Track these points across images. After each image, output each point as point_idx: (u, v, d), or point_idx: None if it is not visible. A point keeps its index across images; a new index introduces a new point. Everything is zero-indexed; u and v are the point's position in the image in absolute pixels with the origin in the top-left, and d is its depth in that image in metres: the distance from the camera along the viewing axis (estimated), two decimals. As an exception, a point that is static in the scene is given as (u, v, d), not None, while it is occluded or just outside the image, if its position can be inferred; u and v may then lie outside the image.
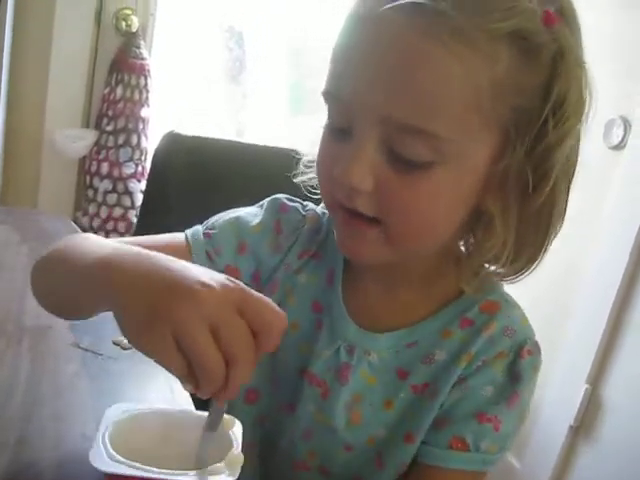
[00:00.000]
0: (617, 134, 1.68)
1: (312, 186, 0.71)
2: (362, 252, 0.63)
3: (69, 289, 0.60)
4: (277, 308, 0.48)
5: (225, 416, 0.52)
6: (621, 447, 1.63)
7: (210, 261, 0.70)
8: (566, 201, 0.61)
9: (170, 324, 0.44)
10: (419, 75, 0.52)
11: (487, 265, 0.65)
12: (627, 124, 1.67)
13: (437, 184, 0.56)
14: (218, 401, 0.48)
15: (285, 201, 0.74)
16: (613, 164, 1.70)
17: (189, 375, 0.45)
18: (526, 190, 0.57)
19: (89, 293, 0.55)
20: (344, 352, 0.68)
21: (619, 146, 1.69)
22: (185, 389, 0.47)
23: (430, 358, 0.66)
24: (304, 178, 0.73)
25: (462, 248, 0.68)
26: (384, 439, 0.68)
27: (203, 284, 0.45)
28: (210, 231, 0.72)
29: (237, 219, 0.73)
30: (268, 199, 0.75)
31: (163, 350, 0.45)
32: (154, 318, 0.44)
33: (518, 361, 0.65)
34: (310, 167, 0.72)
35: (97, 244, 0.58)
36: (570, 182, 0.61)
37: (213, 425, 0.50)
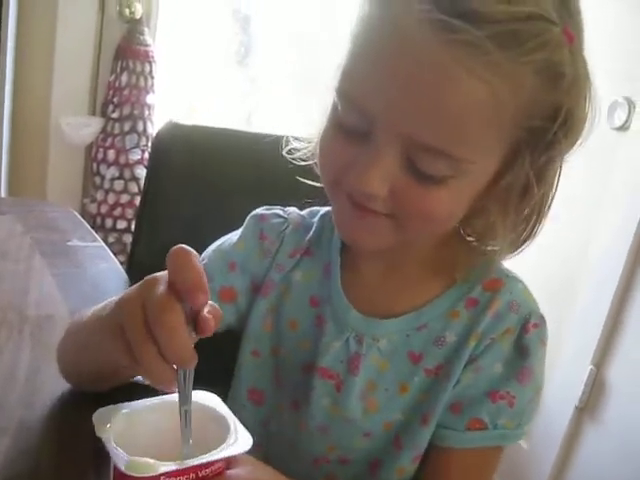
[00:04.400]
0: (620, 115, 1.67)
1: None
2: (367, 240, 0.63)
3: (93, 350, 0.60)
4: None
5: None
6: (625, 428, 1.64)
7: None
8: (557, 184, 0.63)
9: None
10: (449, 101, 0.51)
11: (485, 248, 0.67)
12: (631, 105, 1.65)
13: (450, 193, 0.57)
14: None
15: (263, 212, 0.77)
16: (617, 145, 1.69)
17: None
18: (524, 192, 0.60)
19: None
20: (353, 342, 0.69)
21: (623, 127, 1.67)
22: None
23: (442, 341, 0.67)
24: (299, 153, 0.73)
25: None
26: (401, 423, 0.69)
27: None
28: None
29: (221, 244, 0.76)
30: (248, 217, 0.77)
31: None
32: None
33: (524, 336, 0.66)
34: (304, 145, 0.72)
35: (100, 306, 0.59)
36: (560, 171, 0.62)
37: (183, 400, 0.49)
